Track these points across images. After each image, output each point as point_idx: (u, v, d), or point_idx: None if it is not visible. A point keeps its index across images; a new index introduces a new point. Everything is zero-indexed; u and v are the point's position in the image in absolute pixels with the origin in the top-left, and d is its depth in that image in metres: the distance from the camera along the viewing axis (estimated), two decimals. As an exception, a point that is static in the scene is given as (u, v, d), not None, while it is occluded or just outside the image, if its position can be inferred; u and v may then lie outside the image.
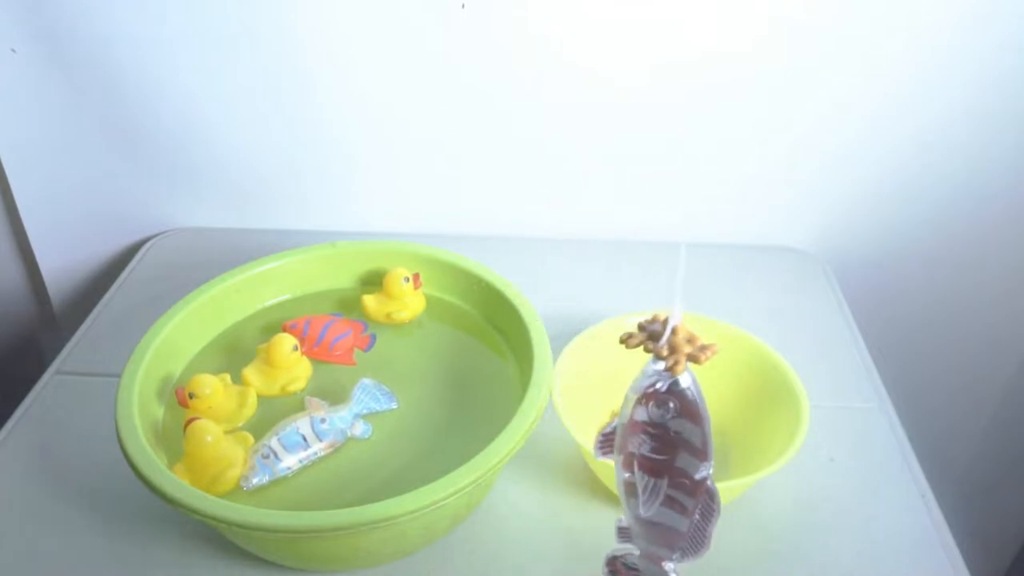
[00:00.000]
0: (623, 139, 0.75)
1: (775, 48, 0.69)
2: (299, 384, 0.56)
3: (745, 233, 0.83)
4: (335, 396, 0.55)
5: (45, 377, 0.66)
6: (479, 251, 0.64)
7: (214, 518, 0.44)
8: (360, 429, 0.53)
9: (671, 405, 0.28)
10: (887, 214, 0.80)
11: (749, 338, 0.60)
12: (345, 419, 0.53)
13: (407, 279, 0.62)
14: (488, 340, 0.61)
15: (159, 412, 0.54)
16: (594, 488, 0.56)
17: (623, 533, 0.32)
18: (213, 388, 0.53)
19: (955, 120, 0.73)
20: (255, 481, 0.49)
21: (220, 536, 0.51)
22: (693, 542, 0.30)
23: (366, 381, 0.56)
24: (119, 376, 0.52)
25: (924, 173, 0.77)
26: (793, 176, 0.78)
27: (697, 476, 0.28)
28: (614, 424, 0.30)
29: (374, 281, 0.65)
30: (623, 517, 0.32)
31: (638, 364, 0.60)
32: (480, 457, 0.46)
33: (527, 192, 0.80)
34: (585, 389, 0.56)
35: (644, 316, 0.27)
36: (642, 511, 0.30)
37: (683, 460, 0.28)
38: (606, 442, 0.31)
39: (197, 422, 0.49)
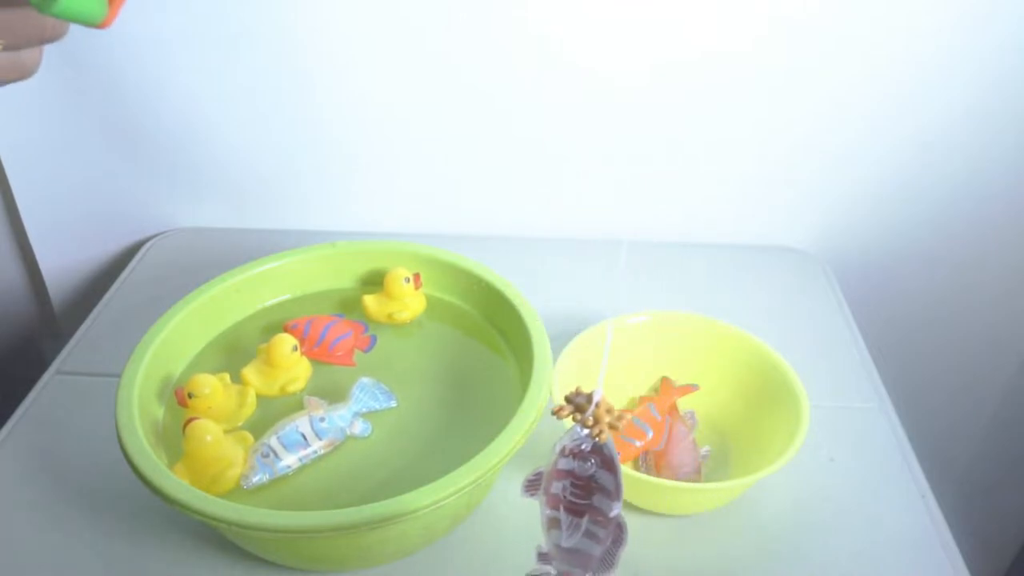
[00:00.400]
0: (623, 139, 0.75)
1: (775, 48, 0.69)
2: (298, 384, 0.56)
3: (745, 233, 0.83)
4: (335, 396, 0.55)
5: (45, 377, 0.66)
6: (479, 251, 0.64)
7: (214, 518, 0.44)
8: (359, 427, 0.53)
9: (592, 460, 0.35)
10: (887, 214, 0.80)
11: (749, 338, 0.60)
12: (344, 417, 0.53)
13: (407, 279, 0.62)
14: (488, 340, 0.61)
15: (159, 412, 0.54)
16: (594, 488, 0.56)
17: (543, 557, 0.38)
18: (212, 388, 0.52)
19: (955, 120, 0.73)
20: (255, 480, 0.49)
21: (220, 536, 0.51)
22: (604, 564, 0.36)
23: (365, 380, 0.56)
24: (119, 376, 0.52)
25: (924, 173, 0.77)
26: (793, 176, 0.78)
27: (611, 514, 0.35)
28: (540, 470, 0.36)
29: (374, 281, 0.65)
30: (543, 544, 0.38)
31: (636, 364, 0.61)
32: (480, 457, 0.46)
33: (527, 192, 0.80)
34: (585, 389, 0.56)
35: (573, 392, 0.35)
36: (564, 543, 0.36)
37: (599, 501, 0.35)
38: (531, 485, 0.37)
39: (196, 422, 0.49)
